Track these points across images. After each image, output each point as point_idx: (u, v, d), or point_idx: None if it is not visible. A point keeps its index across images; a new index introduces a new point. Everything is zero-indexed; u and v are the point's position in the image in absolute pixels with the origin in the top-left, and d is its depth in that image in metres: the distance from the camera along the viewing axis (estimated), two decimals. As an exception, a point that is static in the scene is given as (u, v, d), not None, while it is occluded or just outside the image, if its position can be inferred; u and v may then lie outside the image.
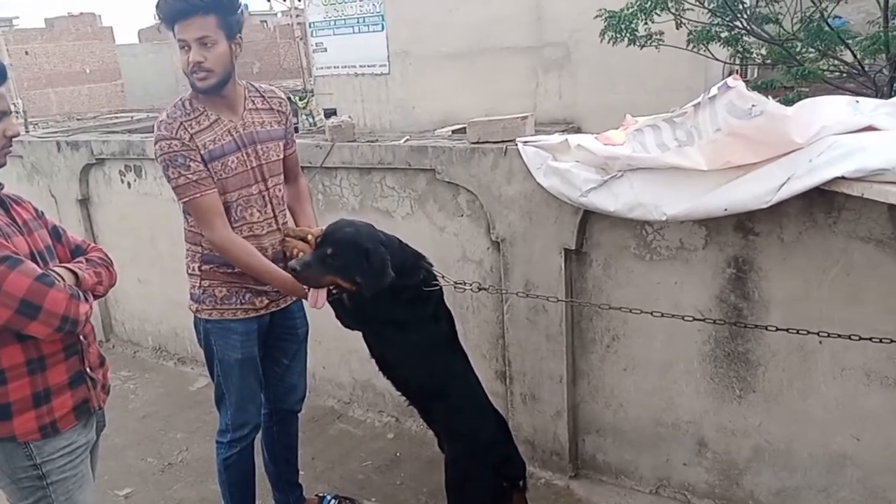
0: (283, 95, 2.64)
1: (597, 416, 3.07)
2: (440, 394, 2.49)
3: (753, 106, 2.06)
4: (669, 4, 5.78)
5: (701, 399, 2.80)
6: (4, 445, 1.87)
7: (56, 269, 1.89)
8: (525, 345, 3.11)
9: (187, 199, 2.34)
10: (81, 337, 1.97)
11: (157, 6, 2.29)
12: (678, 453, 2.90)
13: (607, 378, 3.00)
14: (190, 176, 2.31)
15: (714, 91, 2.18)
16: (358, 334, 2.61)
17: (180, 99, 2.41)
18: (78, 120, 8.24)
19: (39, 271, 1.78)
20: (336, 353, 3.87)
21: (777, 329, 2.32)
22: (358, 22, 13.16)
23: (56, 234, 2.07)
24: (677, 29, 6.13)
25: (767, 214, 2.40)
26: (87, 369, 1.99)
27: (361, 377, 3.84)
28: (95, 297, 1.99)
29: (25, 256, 1.81)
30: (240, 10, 2.40)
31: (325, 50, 13.97)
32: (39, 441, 1.89)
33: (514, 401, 3.22)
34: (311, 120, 12.83)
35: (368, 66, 13.13)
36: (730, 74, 2.47)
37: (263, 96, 2.55)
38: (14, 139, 1.92)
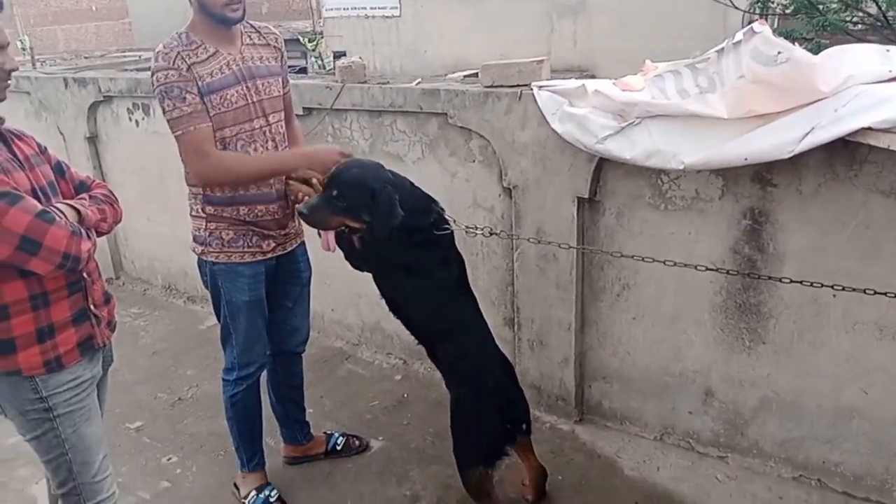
0: (277, 32, 2.61)
1: (604, 364, 3.09)
2: (447, 336, 2.50)
3: (780, 53, 2.00)
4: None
5: (710, 349, 2.80)
6: (10, 379, 1.89)
7: (58, 205, 1.87)
8: (534, 292, 3.11)
9: (180, 132, 2.29)
10: (85, 274, 1.96)
11: None
12: (684, 402, 2.92)
13: (616, 326, 3.00)
14: (185, 108, 2.27)
15: (739, 36, 2.12)
16: (367, 277, 2.60)
17: (177, 32, 2.36)
18: (85, 58, 8.11)
19: (40, 208, 1.75)
20: (345, 295, 3.88)
21: (791, 281, 2.29)
22: (369, -39, 12.83)
23: (59, 169, 2.04)
24: (698, -26, 5.96)
25: (786, 166, 2.36)
26: (91, 306, 1.99)
27: (370, 320, 3.86)
28: (99, 234, 1.98)
29: (27, 192, 1.79)
30: None
31: (335, -10, 13.66)
32: (45, 375, 1.90)
33: (521, 347, 3.24)
34: (320, 62, 12.61)
35: (379, 7, 12.83)
36: (749, 23, 2.39)
37: (259, 32, 2.53)
38: (15, 73, 1.88)
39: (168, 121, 2.31)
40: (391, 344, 3.82)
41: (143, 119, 4.48)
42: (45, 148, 2.04)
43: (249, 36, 2.48)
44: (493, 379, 2.51)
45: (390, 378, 3.67)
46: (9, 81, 1.86)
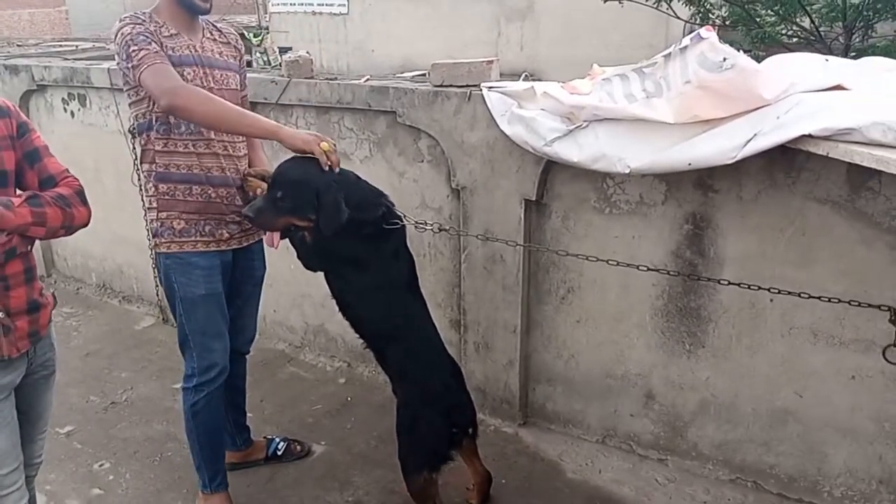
0: (237, 35, 2.62)
1: (548, 367, 3.10)
2: (395, 336, 2.47)
3: (725, 59, 2.03)
4: (632, -42, 5.68)
5: (651, 352, 2.84)
6: None
7: None
8: (481, 294, 3.10)
9: (147, 66, 2.17)
10: None
11: None
12: (626, 405, 2.96)
13: (560, 329, 3.02)
14: (151, 49, 2.20)
15: (686, 42, 2.15)
16: (310, 278, 2.55)
17: (142, 10, 2.33)
18: (18, 45, 7.77)
19: None
20: (288, 296, 3.81)
21: (729, 283, 2.33)
22: (317, -42, 12.69)
23: (32, 157, 1.88)
24: (642, -16, 6.06)
25: (728, 172, 2.41)
26: (1, 314, 1.82)
27: (314, 321, 3.79)
28: (36, 237, 1.84)
29: None
30: None
31: (283, -14, 13.46)
32: None
33: (467, 349, 3.22)
34: (265, 58, 12.40)
35: (327, 4, 12.68)
36: (690, 33, 2.43)
37: (221, 31, 2.56)
38: None
39: (135, 62, 2.19)
40: (335, 346, 3.76)
41: (78, 110, 4.31)
42: (27, 132, 1.87)
43: (210, 32, 2.50)
44: (441, 382, 2.49)
45: (334, 381, 3.61)
46: None
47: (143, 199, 2.48)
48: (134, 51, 2.20)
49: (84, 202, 1.94)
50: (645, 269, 2.44)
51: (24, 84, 4.45)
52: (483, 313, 3.12)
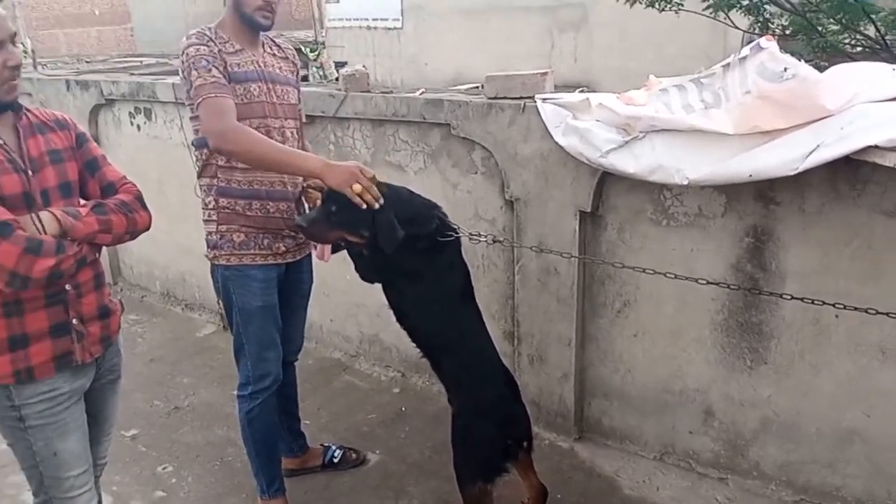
0: (294, 50, 2.69)
1: (604, 381, 3.07)
2: (451, 347, 2.48)
3: (786, 69, 2.00)
4: (690, -33, 5.61)
5: (710, 368, 2.78)
6: None
7: (42, 213, 1.77)
8: (535, 306, 3.09)
9: (202, 98, 2.22)
10: (69, 286, 1.86)
11: None
12: (684, 421, 2.90)
13: (616, 343, 2.98)
14: (210, 78, 2.25)
15: (745, 52, 2.12)
16: (366, 288, 2.58)
17: (206, 26, 2.40)
18: (87, 62, 8.11)
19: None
20: (344, 306, 3.86)
21: (792, 298, 2.27)
22: (373, -27, 12.90)
23: (92, 166, 1.97)
24: (698, -6, 5.98)
25: (789, 184, 2.35)
26: (74, 321, 1.89)
27: (369, 331, 3.84)
28: (104, 245, 1.91)
29: (15, 196, 1.73)
30: None
31: (338, 1, 13.72)
32: (16, 385, 1.83)
33: (521, 362, 3.21)
34: (321, 72, 12.65)
35: (381, 19, 12.88)
36: (749, 43, 2.39)
37: (279, 46, 2.62)
38: (17, 71, 1.78)
39: (193, 90, 2.26)
40: (389, 356, 3.79)
41: (144, 123, 4.47)
42: (85, 142, 1.97)
43: (270, 47, 2.56)
44: (497, 393, 2.49)
45: (388, 391, 3.64)
46: (15, 80, 1.79)
47: (203, 209, 2.54)
48: (195, 76, 2.25)
49: (144, 206, 2.01)
50: (704, 282, 2.39)
51: (93, 99, 4.64)
52: (537, 325, 3.11)
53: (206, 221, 2.53)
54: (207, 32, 2.37)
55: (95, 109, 4.68)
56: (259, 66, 2.43)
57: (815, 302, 2.18)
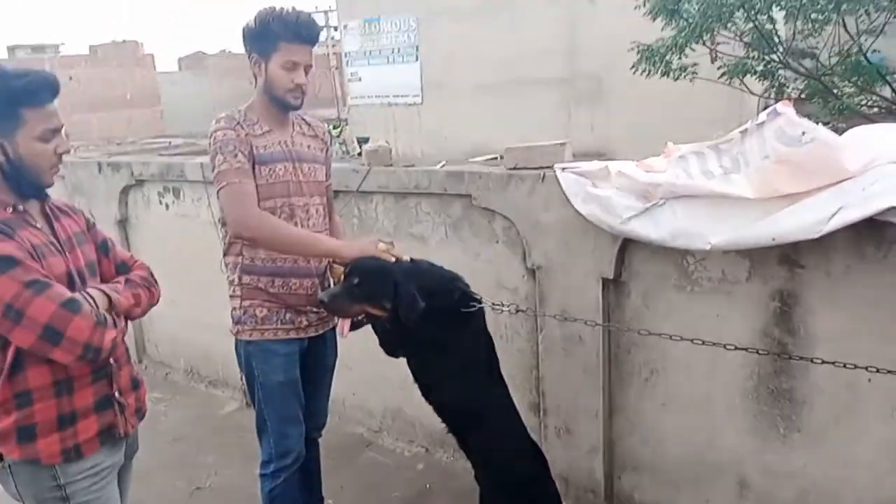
0: (325, 126, 2.76)
1: (634, 453, 2.98)
2: (477, 420, 2.44)
3: (804, 133, 2.01)
4: (704, 38, 5.74)
5: (742, 438, 2.70)
6: (30, 467, 1.85)
7: (90, 290, 1.86)
8: (560, 376, 3.04)
9: (225, 184, 2.32)
10: (112, 360, 1.93)
11: (279, 20, 2.34)
12: (719, 494, 2.80)
13: (645, 413, 2.92)
14: (234, 164, 2.33)
15: (762, 117, 2.14)
16: (389, 360, 2.57)
17: (237, 108, 2.48)
18: (118, 144, 8.40)
19: (67, 296, 1.74)
20: (367, 379, 3.83)
21: (823, 362, 2.22)
22: (393, 52, 13.35)
23: (104, 248, 2.05)
24: (712, 63, 6.09)
25: (814, 247, 2.33)
26: (116, 393, 1.95)
27: (392, 405, 3.79)
28: (132, 318, 1.97)
29: (62, 276, 1.80)
30: None
31: (360, 80, 14.17)
32: (62, 464, 1.85)
33: (547, 434, 3.15)
34: (344, 148, 12.97)
35: (402, 95, 13.27)
36: (765, 108, 2.43)
37: (310, 124, 2.67)
38: (62, 157, 1.89)
39: (216, 174, 2.35)
40: (413, 431, 3.74)
41: (172, 203, 4.57)
42: (93, 225, 2.06)
43: (300, 126, 2.60)
44: (526, 469, 2.44)
45: (412, 467, 3.57)
46: (59, 166, 1.89)
47: (228, 285, 2.58)
48: (220, 160, 2.34)
49: (156, 282, 2.10)
50: (732, 348, 2.36)
51: (123, 180, 4.78)
52: (563, 396, 3.06)
53: (231, 297, 2.56)
54: (236, 116, 2.43)
55: (125, 190, 4.81)
56: (286, 147, 2.48)
57: (847, 366, 2.12)
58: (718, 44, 5.92)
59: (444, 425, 2.63)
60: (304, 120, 2.65)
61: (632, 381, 2.92)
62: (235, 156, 2.33)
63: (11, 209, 1.83)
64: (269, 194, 2.41)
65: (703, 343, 2.41)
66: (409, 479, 3.46)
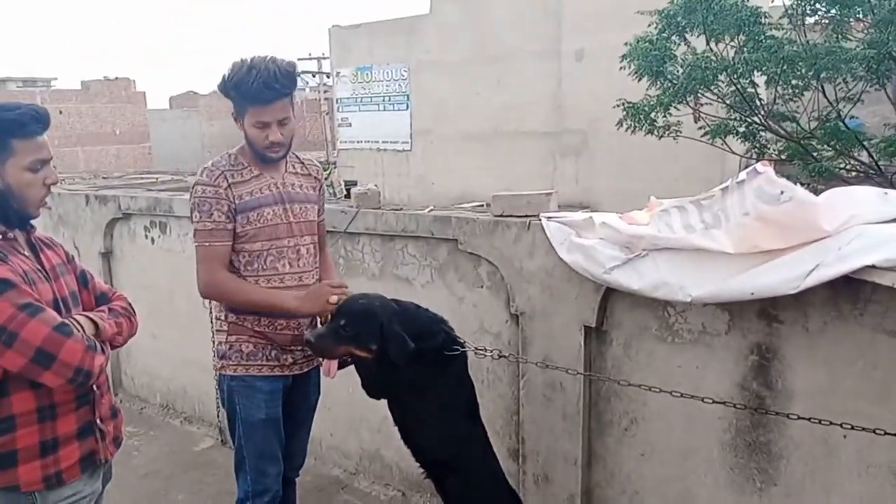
0: (319, 165, 2.75)
1: (612, 503, 2.98)
2: (456, 465, 2.44)
3: (783, 192, 2.08)
4: (688, 99, 5.91)
5: (721, 490, 2.71)
6: (8, 495, 1.83)
7: (77, 317, 1.89)
8: (540, 423, 3.05)
9: (198, 244, 2.43)
10: (95, 387, 1.94)
11: (236, 88, 2.33)
12: (695, 546, 2.79)
13: (624, 463, 2.92)
14: (209, 224, 2.39)
15: (743, 176, 2.21)
16: (368, 401, 2.58)
17: (227, 152, 2.51)
18: (104, 178, 8.42)
19: (59, 320, 1.77)
20: (345, 420, 3.81)
21: (799, 417, 2.26)
22: (384, 100, 13.57)
23: (83, 279, 2.08)
24: (695, 123, 6.26)
25: (792, 302, 2.39)
26: (98, 420, 1.96)
27: (370, 447, 3.76)
28: (113, 347, 1.99)
29: (49, 303, 1.82)
30: None
31: (350, 125, 14.36)
32: (43, 491, 1.84)
33: (526, 481, 3.13)
34: (331, 190, 13.05)
35: (391, 142, 13.45)
36: (746, 167, 2.51)
37: (303, 163, 2.68)
38: (50, 189, 1.94)
39: (193, 230, 2.43)
40: (390, 474, 3.70)
41: (158, 237, 4.58)
42: (73, 257, 2.09)
43: (293, 165, 2.62)
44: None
45: (388, 510, 3.53)
46: (47, 197, 1.93)
47: (212, 322, 2.59)
48: (196, 217, 2.41)
49: (135, 312, 2.14)
50: (710, 401, 2.39)
51: (110, 213, 4.78)
52: (543, 443, 3.06)
53: (216, 332, 2.58)
54: (223, 162, 2.45)
55: (111, 223, 4.82)
56: (276, 189, 2.50)
57: (822, 422, 2.16)
58: (701, 104, 6.09)
59: (421, 470, 2.62)
60: (297, 158, 2.67)
61: (611, 430, 2.94)
62: (210, 215, 2.39)
63: (2, 236, 1.85)
64: (256, 237, 2.44)
65: (682, 395, 2.44)
66: (384, 524, 3.42)
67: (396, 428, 2.56)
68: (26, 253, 1.90)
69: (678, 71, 5.70)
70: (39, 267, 1.90)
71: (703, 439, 2.72)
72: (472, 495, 2.44)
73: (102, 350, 1.86)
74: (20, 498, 1.83)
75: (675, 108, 5.91)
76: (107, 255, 4.90)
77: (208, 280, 2.43)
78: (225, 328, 2.53)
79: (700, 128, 6.13)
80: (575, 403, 2.93)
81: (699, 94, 5.82)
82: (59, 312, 1.85)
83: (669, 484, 2.81)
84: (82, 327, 1.84)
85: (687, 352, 2.71)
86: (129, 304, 2.13)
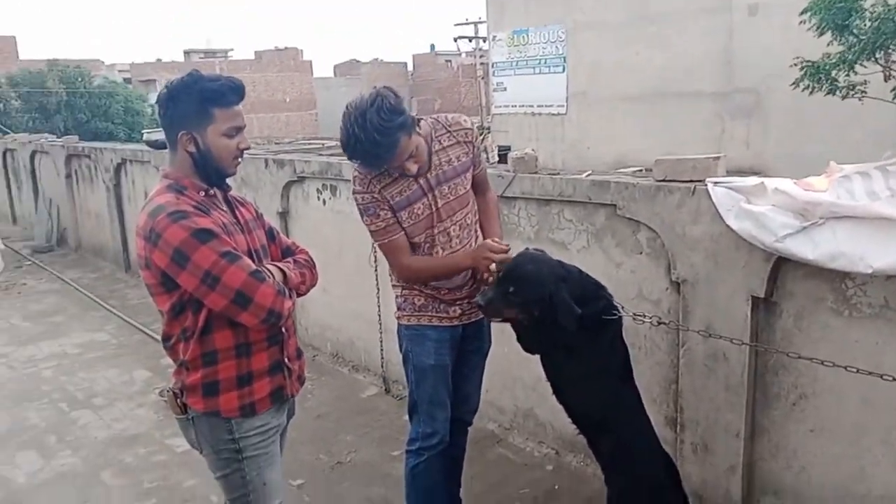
0: (468, 125, 2.69)
1: (775, 477, 2.88)
2: (608, 426, 2.47)
3: None
4: (877, 55, 5.40)
5: (898, 473, 2.55)
6: (210, 419, 2.09)
7: (268, 266, 2.10)
8: (700, 393, 3.00)
9: (378, 241, 2.64)
10: (283, 329, 2.15)
11: (358, 157, 2.45)
12: (867, 529, 2.66)
13: (791, 437, 2.81)
14: (380, 223, 2.56)
15: (941, 138, 2.04)
16: (523, 360, 2.66)
17: (361, 169, 2.57)
18: (276, 143, 9.04)
19: (254, 267, 1.98)
20: (500, 378, 3.92)
21: None
22: (539, 63, 13.44)
23: (271, 234, 2.29)
24: (885, 81, 5.70)
25: None
26: (286, 359, 2.18)
27: (524, 405, 3.87)
28: (298, 294, 2.18)
29: (244, 253, 2.02)
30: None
31: (505, 89, 14.38)
32: (239, 418, 2.09)
33: (683, 449, 3.10)
34: (485, 155, 13.22)
35: (546, 105, 13.34)
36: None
37: (450, 131, 2.63)
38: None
39: (370, 233, 2.63)
40: (544, 432, 3.79)
41: (330, 198, 4.89)
42: (261, 214, 2.31)
43: (440, 140, 2.60)
44: (656, 478, 2.44)
45: (541, 467, 3.62)
46: (240, 159, 2.14)
47: (391, 278, 2.77)
48: (367, 221, 2.58)
49: (315, 265, 2.32)
50: (890, 378, 2.24)
51: (287, 175, 5.16)
52: (702, 413, 3.01)
53: (393, 286, 2.78)
54: (368, 171, 2.52)
55: (288, 185, 5.20)
56: (423, 180, 2.55)
57: None
58: (893, 62, 5.54)
59: (574, 428, 2.68)
60: (443, 127, 2.62)
61: (778, 404, 2.83)
62: (378, 216, 2.55)
63: (204, 193, 2.09)
64: (413, 233, 2.60)
65: (859, 371, 2.31)
66: (537, 478, 3.52)
67: (549, 384, 2.62)
68: (224, 208, 2.14)
69: (866, 24, 5.21)
70: (236, 220, 2.13)
71: (882, 418, 2.56)
72: (624, 455, 2.46)
73: (290, 295, 2.07)
74: (220, 423, 2.09)
75: (861, 65, 5.43)
76: (284, 215, 5.31)
77: (400, 268, 2.64)
78: (400, 283, 2.72)
79: (892, 89, 5.59)
80: (739, 375, 2.85)
81: (890, 50, 5.30)
82: (253, 262, 2.06)
83: (841, 461, 2.68)
84: (273, 275, 2.05)
85: (866, 326, 2.55)
86: (311, 258, 2.33)
